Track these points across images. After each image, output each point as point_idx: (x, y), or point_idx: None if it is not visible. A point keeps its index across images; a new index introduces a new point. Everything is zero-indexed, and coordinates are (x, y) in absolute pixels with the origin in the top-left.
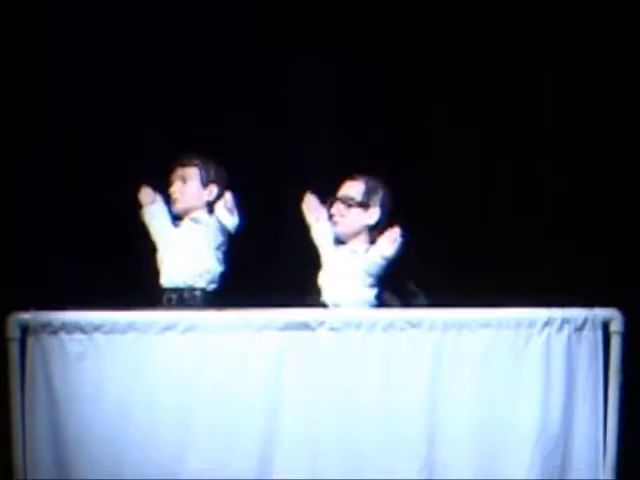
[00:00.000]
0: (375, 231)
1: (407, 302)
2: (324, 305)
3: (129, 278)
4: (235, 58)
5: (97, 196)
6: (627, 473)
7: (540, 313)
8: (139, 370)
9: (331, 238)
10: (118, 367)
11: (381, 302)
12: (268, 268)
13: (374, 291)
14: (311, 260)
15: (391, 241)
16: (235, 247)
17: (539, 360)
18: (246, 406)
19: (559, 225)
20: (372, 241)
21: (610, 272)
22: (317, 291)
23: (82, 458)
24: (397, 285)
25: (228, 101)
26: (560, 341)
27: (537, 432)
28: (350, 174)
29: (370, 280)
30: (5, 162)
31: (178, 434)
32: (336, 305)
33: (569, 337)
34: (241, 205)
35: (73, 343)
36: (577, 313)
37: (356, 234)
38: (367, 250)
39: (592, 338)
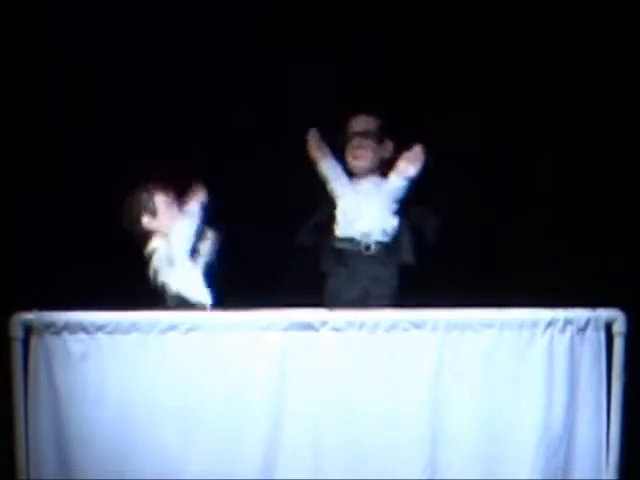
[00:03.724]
0: (385, 164)
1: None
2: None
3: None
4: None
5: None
6: (630, 474)
7: (543, 314)
8: (142, 370)
9: (343, 172)
10: (121, 367)
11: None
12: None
13: (397, 217)
14: None
15: (411, 161)
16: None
17: (542, 361)
18: (249, 406)
19: (562, 225)
20: (384, 173)
21: (613, 273)
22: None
23: (85, 458)
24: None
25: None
26: (563, 342)
27: (540, 433)
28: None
29: (395, 207)
30: (7, 163)
31: (181, 434)
32: (366, 235)
33: (572, 338)
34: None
35: (76, 343)
36: (580, 314)
37: (375, 167)
38: (387, 180)
39: (595, 339)
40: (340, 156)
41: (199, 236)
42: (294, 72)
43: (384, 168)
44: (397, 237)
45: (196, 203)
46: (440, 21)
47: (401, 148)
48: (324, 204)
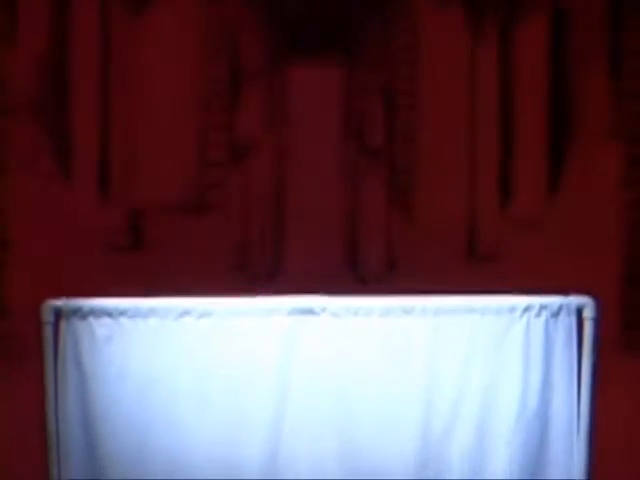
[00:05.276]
0: None
1: None
2: None
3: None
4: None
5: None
6: (597, 443)
7: (520, 300)
8: (159, 351)
9: None
10: (141, 349)
11: None
12: None
13: None
14: None
15: None
16: None
17: (520, 343)
18: (256, 384)
19: (538, 222)
20: None
21: (583, 262)
22: None
23: (108, 430)
24: None
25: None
26: (538, 326)
27: (519, 406)
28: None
29: None
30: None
31: (195, 409)
32: None
33: (546, 322)
34: None
35: (101, 327)
36: (553, 300)
37: None
38: None
39: (567, 323)
40: None
41: None
42: None
43: None
44: None
45: None
46: None
47: None
48: None
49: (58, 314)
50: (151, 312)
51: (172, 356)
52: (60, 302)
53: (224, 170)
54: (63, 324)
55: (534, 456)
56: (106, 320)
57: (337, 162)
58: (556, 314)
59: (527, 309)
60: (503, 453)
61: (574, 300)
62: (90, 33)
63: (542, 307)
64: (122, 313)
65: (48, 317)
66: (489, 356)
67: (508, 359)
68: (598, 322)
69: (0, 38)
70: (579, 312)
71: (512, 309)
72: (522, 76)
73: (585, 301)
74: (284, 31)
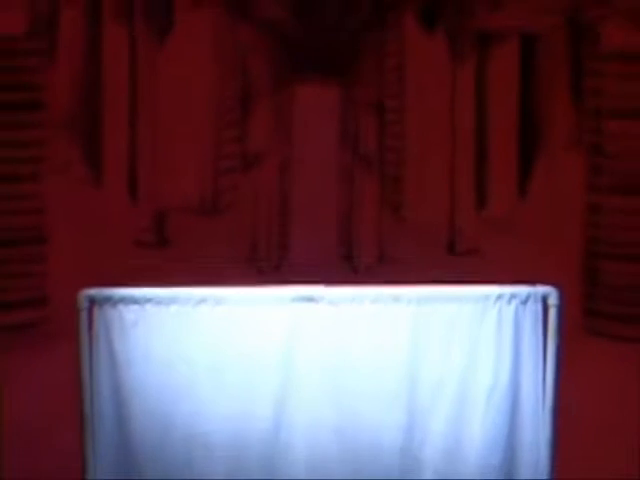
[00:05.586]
0: None
1: None
2: None
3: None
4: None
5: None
6: (560, 417)
7: (493, 290)
8: (180, 335)
9: None
10: (164, 333)
11: None
12: None
13: None
14: None
15: None
16: None
17: (493, 327)
18: (263, 364)
19: (508, 221)
20: None
21: (549, 257)
22: None
23: (137, 408)
24: None
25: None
26: (509, 312)
27: (491, 384)
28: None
29: None
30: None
31: (211, 387)
32: None
33: (516, 309)
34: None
35: (129, 313)
36: (522, 290)
37: None
38: None
39: (534, 310)
40: None
41: None
42: None
43: None
44: None
45: None
46: None
47: None
48: None
49: (92, 302)
50: (172, 300)
51: (191, 339)
52: (94, 291)
53: (236, 177)
54: (96, 311)
55: (505, 429)
56: (133, 307)
57: (335, 169)
58: (525, 302)
59: (499, 298)
60: (478, 426)
61: (540, 290)
62: (120, 56)
63: (512, 296)
64: (147, 301)
65: (83, 304)
66: (466, 339)
67: (483, 342)
68: (561, 309)
69: (42, 58)
70: (545, 300)
71: (486, 298)
72: (496, 94)
73: (550, 291)
74: (289, 55)
